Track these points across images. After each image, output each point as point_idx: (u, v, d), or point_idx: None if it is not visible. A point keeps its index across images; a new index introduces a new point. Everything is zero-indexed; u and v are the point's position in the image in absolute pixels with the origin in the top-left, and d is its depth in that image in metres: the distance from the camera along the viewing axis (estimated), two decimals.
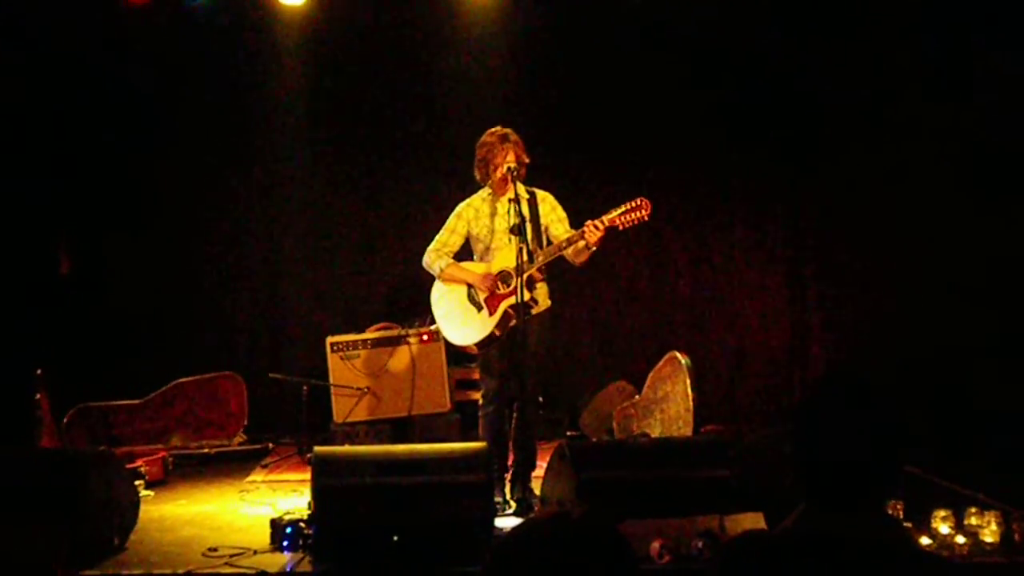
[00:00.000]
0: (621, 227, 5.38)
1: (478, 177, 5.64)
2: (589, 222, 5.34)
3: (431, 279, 5.81)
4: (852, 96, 7.36)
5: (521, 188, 5.53)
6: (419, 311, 7.08)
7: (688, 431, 6.15)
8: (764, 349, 7.94)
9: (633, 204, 5.37)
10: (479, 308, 5.60)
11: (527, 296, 5.29)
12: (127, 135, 7.63)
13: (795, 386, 7.79)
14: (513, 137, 5.53)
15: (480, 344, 5.63)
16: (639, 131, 7.80)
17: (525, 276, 5.23)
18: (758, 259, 8.00)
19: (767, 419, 7.51)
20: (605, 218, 5.34)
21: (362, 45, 7.86)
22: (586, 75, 7.73)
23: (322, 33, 7.74)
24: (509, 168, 5.40)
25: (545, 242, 5.58)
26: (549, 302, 5.63)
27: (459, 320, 5.69)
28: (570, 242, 5.39)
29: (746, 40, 7.55)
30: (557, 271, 5.86)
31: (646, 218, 5.39)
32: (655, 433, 6.46)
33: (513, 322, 5.37)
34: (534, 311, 5.50)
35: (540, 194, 5.63)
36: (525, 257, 5.19)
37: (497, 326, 5.52)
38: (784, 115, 7.66)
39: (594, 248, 5.38)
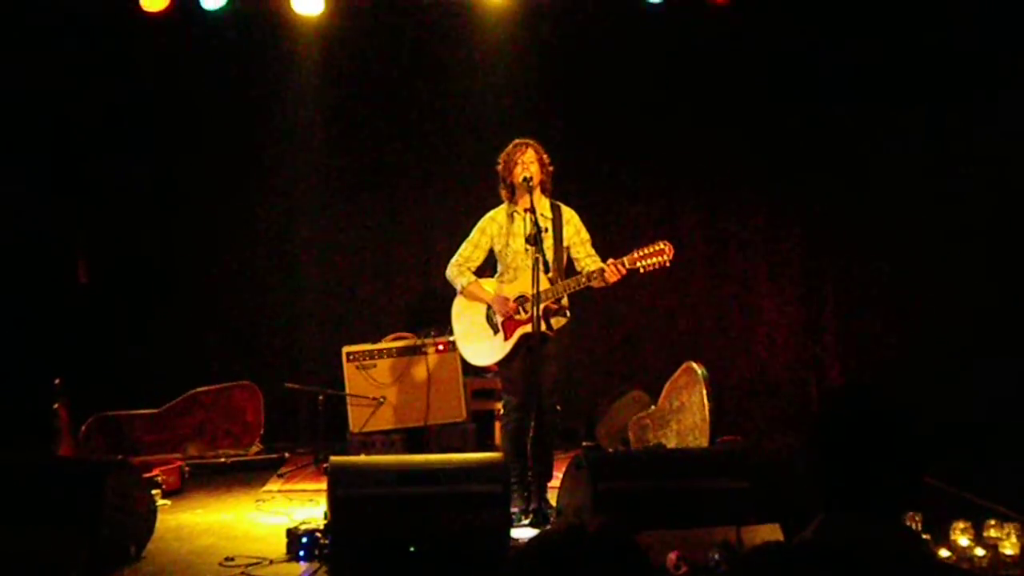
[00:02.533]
0: (642, 271, 5.37)
1: (503, 195, 5.64)
2: (611, 262, 5.33)
3: (449, 290, 5.81)
4: (869, 108, 7.34)
5: (544, 204, 5.54)
6: (436, 322, 7.09)
7: (704, 441, 6.13)
8: (781, 359, 7.92)
9: (656, 248, 5.34)
10: (495, 330, 5.60)
11: (543, 327, 5.29)
12: (145, 145, 7.67)
13: (812, 396, 7.76)
14: (533, 143, 5.53)
15: (497, 364, 5.65)
16: (659, 143, 7.82)
17: (542, 307, 5.22)
18: (775, 268, 7.98)
19: (784, 429, 7.48)
20: (627, 260, 5.33)
21: (380, 55, 7.89)
22: (606, 87, 7.74)
23: (339, 43, 7.77)
24: (525, 178, 5.40)
25: (565, 260, 5.58)
26: (568, 316, 5.60)
27: (476, 340, 5.70)
28: (589, 279, 5.37)
29: (764, 52, 7.55)
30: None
31: (667, 264, 5.36)
32: (671, 443, 6.44)
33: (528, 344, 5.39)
34: (552, 334, 5.50)
35: (566, 213, 5.60)
36: (542, 268, 5.18)
37: (511, 351, 5.53)
38: (802, 127, 7.66)
39: (610, 286, 5.41)
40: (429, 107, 7.94)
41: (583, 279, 5.39)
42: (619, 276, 5.32)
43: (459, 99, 7.89)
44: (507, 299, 5.54)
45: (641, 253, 5.34)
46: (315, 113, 7.92)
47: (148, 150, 7.69)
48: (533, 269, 5.16)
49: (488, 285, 5.67)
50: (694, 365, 6.40)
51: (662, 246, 5.34)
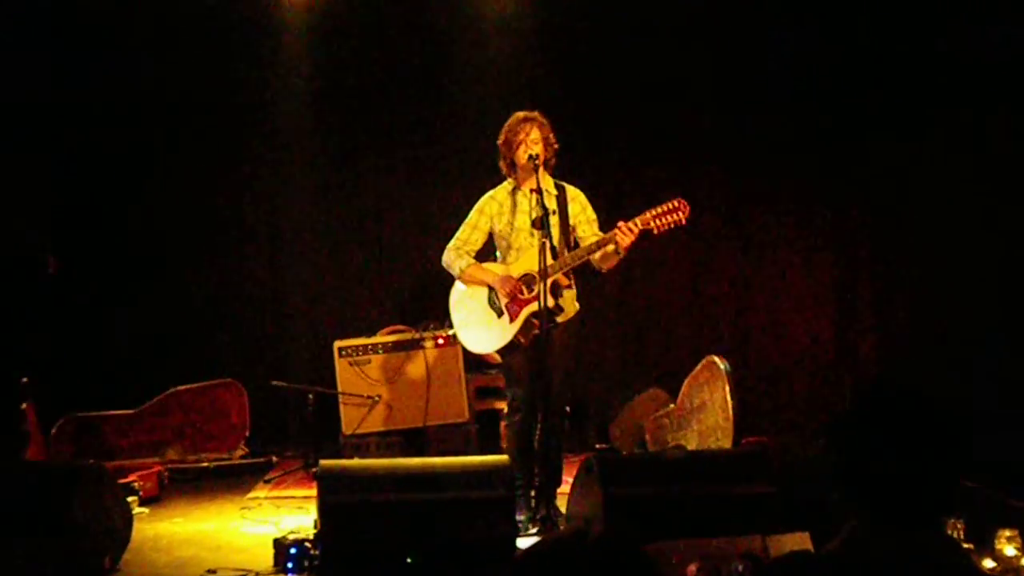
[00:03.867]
0: (656, 231, 5.37)
1: (504, 169, 5.65)
2: (621, 223, 5.32)
3: (449, 279, 5.80)
4: (907, 79, 7.31)
5: (549, 181, 5.54)
6: (435, 313, 7.10)
7: (727, 443, 6.13)
8: (810, 353, 7.91)
9: (670, 206, 5.36)
10: (499, 313, 5.60)
11: (551, 303, 5.28)
12: (123, 132, 7.71)
13: (844, 393, 7.74)
14: (539, 118, 5.53)
15: (501, 351, 5.64)
16: (676, 122, 7.81)
17: (550, 281, 5.22)
18: (804, 254, 7.96)
19: (813, 429, 7.47)
20: (638, 220, 5.32)
21: (371, 33, 7.91)
22: (616, 62, 7.74)
23: (329, 23, 7.82)
24: (531, 156, 5.39)
25: (573, 243, 5.57)
26: (577, 306, 5.61)
27: (478, 326, 5.69)
28: (599, 245, 5.37)
29: (791, 23, 7.53)
30: (585, 270, 5.83)
31: (683, 222, 5.37)
32: (691, 445, 6.44)
33: (536, 331, 5.38)
34: (560, 319, 5.49)
35: (571, 191, 5.62)
36: (548, 254, 5.17)
37: (518, 334, 5.52)
38: (832, 102, 7.64)
39: (623, 254, 5.38)
40: (425, 83, 7.94)
41: (592, 246, 5.38)
42: (632, 238, 5.30)
43: (456, 78, 7.89)
44: (510, 277, 5.53)
45: (654, 212, 5.35)
46: (304, 94, 7.94)
47: (126, 137, 7.72)
48: (540, 255, 5.15)
49: (492, 266, 5.67)
50: (716, 359, 6.40)
51: (677, 203, 5.35)
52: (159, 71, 7.63)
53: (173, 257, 7.88)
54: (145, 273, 7.79)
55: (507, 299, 5.54)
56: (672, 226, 5.37)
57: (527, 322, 5.49)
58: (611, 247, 5.36)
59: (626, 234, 5.29)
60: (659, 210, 5.36)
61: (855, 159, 7.71)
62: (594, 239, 5.50)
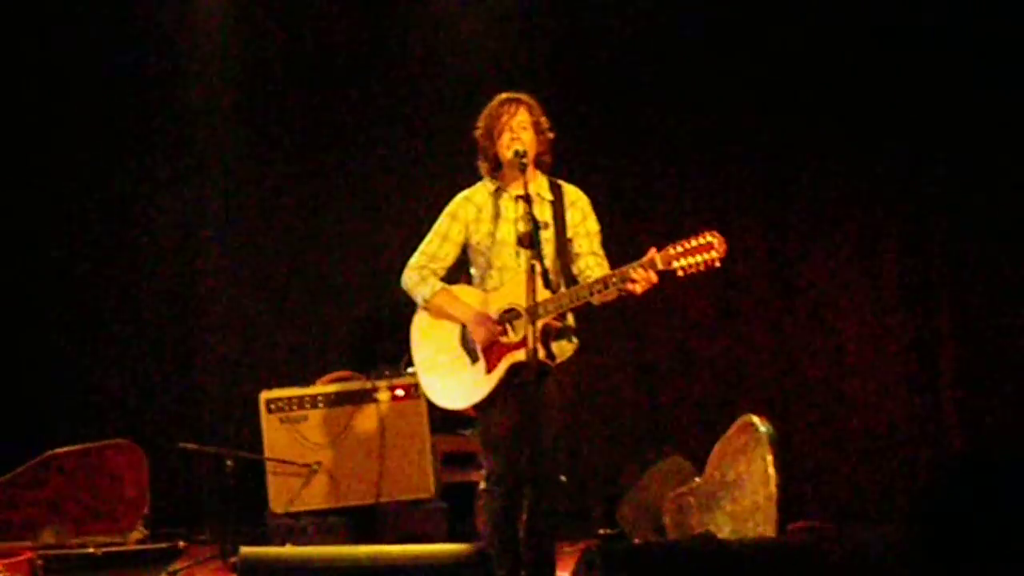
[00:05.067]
0: (682, 274, 5.31)
1: (484, 170, 5.62)
2: (645, 261, 5.27)
3: (409, 307, 5.75)
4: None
5: (542, 183, 5.53)
6: (391, 355, 7.08)
7: (770, 529, 6.14)
8: (877, 413, 7.93)
9: (700, 241, 5.27)
10: (474, 359, 5.55)
11: (542, 353, 5.23)
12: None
13: (922, 466, 7.76)
14: (527, 99, 5.50)
15: (476, 407, 5.59)
16: (704, 121, 7.89)
17: (540, 324, 5.17)
18: (869, 289, 8.01)
19: (882, 513, 7.49)
20: (658, 258, 5.26)
21: (310, 4, 8.03)
22: (632, 39, 7.84)
23: None
24: (517, 152, 5.36)
25: (570, 261, 5.53)
26: (576, 342, 5.57)
27: (445, 373, 5.63)
28: (606, 285, 5.31)
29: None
30: None
31: (716, 264, 5.30)
32: (723, 532, 6.44)
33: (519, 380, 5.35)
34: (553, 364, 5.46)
35: (570, 193, 5.58)
36: (540, 281, 5.13)
37: (496, 388, 5.48)
38: (907, 83, 7.71)
39: (639, 296, 5.34)
40: (384, 64, 8.03)
41: (596, 286, 5.32)
42: (650, 284, 5.27)
43: (425, 50, 7.97)
44: (486, 316, 5.48)
45: (679, 249, 5.28)
46: (227, 78, 8.07)
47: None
48: (528, 284, 5.10)
49: (467, 295, 5.62)
50: (755, 420, 6.41)
51: (710, 238, 5.28)
52: (43, 43, 7.74)
53: (57, 284, 7.90)
54: (12, 302, 7.78)
55: (483, 344, 5.51)
56: (703, 269, 5.30)
57: (508, 374, 5.44)
58: (617, 290, 5.30)
59: (641, 279, 5.23)
60: (686, 246, 5.29)
61: (935, 166, 7.77)
62: (591, 259, 5.49)
